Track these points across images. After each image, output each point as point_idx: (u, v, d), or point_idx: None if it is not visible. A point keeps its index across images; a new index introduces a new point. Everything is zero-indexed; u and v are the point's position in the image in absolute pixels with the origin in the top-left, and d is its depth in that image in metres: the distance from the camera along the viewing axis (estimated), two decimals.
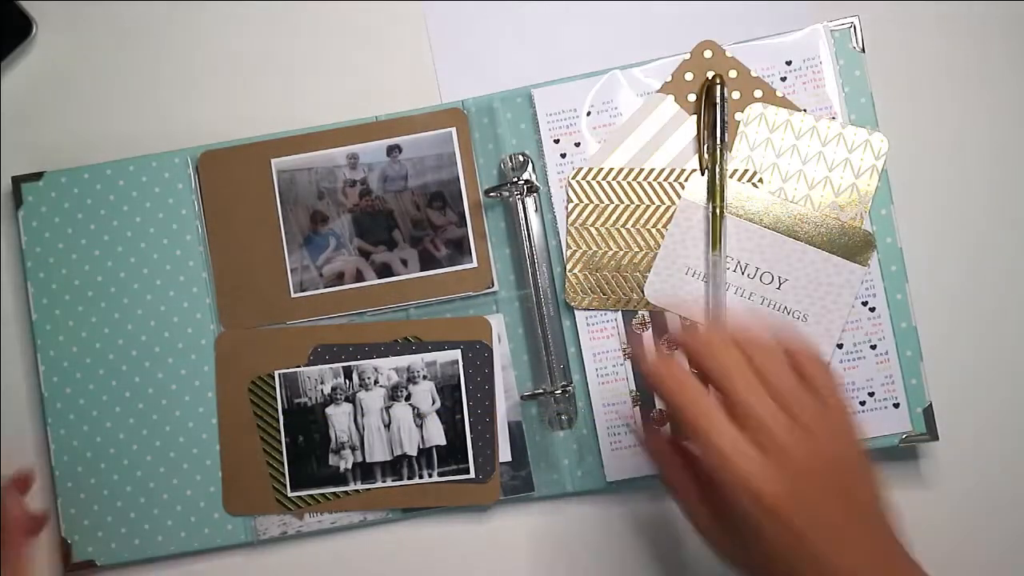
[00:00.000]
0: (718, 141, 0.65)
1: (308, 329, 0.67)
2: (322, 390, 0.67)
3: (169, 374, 0.68)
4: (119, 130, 0.70)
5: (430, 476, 0.66)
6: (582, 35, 0.69)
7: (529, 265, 0.66)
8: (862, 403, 0.64)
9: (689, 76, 0.66)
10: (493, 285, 0.67)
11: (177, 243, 0.68)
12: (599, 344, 0.66)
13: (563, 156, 0.67)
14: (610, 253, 0.66)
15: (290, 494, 0.67)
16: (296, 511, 0.67)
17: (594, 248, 0.66)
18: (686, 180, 0.66)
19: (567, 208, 0.66)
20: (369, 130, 0.68)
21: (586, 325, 0.66)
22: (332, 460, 0.67)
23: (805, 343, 0.55)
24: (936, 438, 0.64)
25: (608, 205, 0.66)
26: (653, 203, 0.66)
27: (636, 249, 0.66)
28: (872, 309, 0.65)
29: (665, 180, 0.66)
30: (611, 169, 0.66)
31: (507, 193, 0.66)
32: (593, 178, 0.66)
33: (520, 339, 0.67)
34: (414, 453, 0.67)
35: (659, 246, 0.65)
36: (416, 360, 0.67)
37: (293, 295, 0.67)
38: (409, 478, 0.66)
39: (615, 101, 0.67)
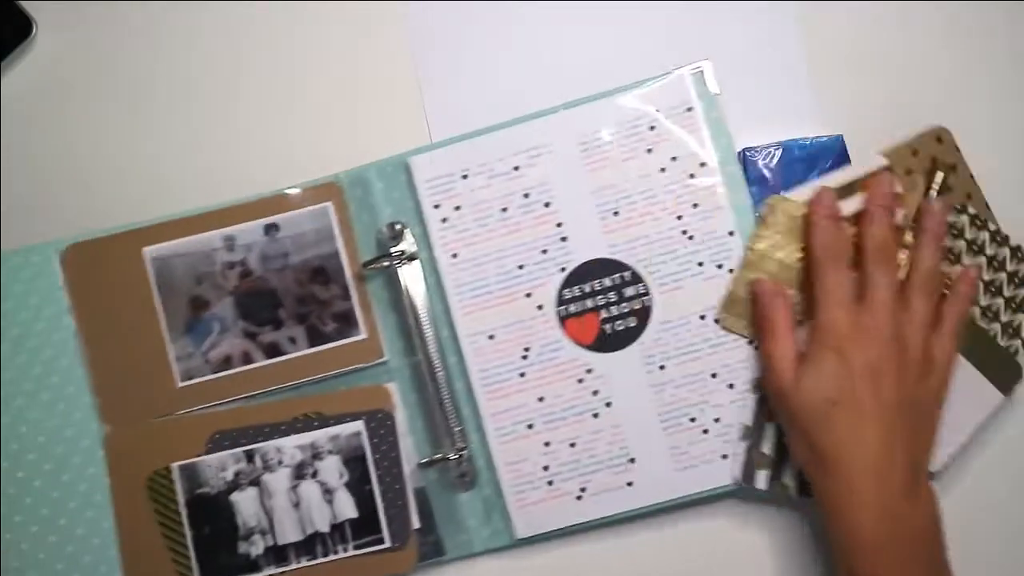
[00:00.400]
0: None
1: (203, 417, 0.66)
2: (224, 477, 0.66)
3: (49, 482, 0.66)
4: None
5: (345, 551, 0.66)
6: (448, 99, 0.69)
7: (416, 333, 0.66)
8: None
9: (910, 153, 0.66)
10: (383, 355, 0.66)
11: (46, 342, 0.66)
12: (497, 404, 0.66)
13: (444, 221, 0.67)
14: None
15: None
16: None
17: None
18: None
19: (756, 228, 0.65)
20: (244, 210, 0.67)
21: (482, 386, 0.66)
22: (242, 548, 0.66)
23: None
24: None
25: (799, 244, 0.65)
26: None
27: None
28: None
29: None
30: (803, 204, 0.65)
31: (386, 264, 0.65)
32: (797, 211, 0.65)
33: (415, 406, 0.67)
34: (327, 529, 0.66)
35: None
36: (319, 436, 0.66)
37: (180, 384, 0.66)
38: (324, 555, 0.66)
39: (490, 163, 0.67)
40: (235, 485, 0.66)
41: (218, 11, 0.69)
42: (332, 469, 0.66)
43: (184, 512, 0.66)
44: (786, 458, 0.64)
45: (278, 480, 0.66)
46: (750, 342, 0.65)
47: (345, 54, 0.69)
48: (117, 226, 0.67)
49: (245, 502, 0.66)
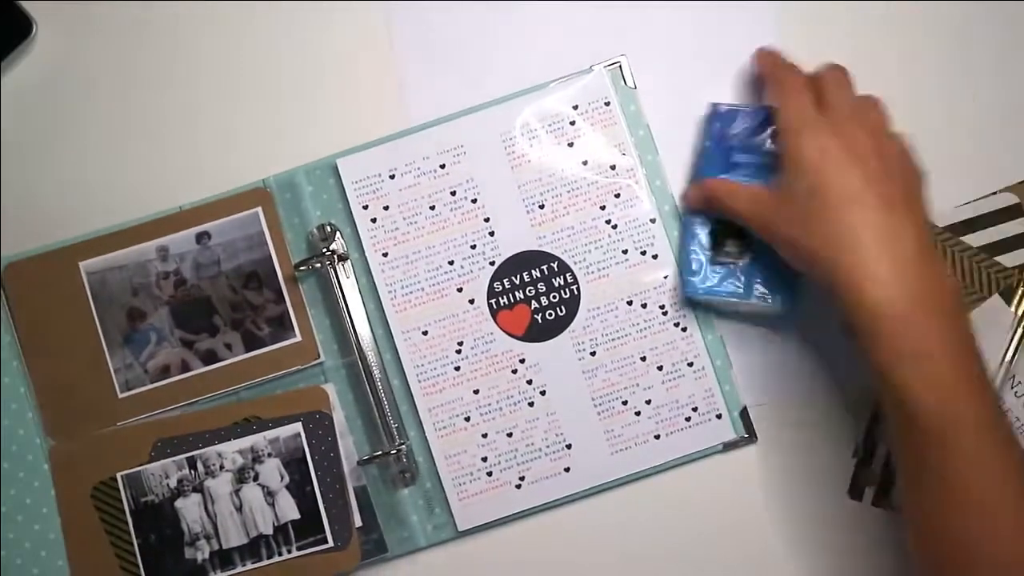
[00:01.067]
0: None
1: (145, 426, 0.67)
2: (168, 484, 0.67)
3: None
4: None
5: (289, 552, 0.67)
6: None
7: (351, 332, 0.67)
8: (687, 419, 0.68)
9: None
10: (319, 356, 0.68)
11: None
12: (433, 398, 0.68)
13: (374, 221, 0.68)
14: None
15: None
16: None
17: None
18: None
19: None
20: (175, 220, 0.68)
21: (418, 381, 0.68)
22: (188, 553, 0.67)
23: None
24: (755, 439, 0.68)
25: None
26: (964, 282, 0.68)
27: None
28: (684, 329, 0.68)
29: (982, 263, 0.68)
30: (942, 229, 0.68)
31: (317, 265, 0.67)
32: None
33: (352, 405, 0.68)
34: (270, 532, 0.67)
35: None
36: (258, 439, 0.67)
37: (120, 395, 0.67)
38: (268, 557, 0.67)
39: (416, 162, 0.69)
40: (179, 492, 0.67)
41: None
42: (273, 471, 0.67)
43: (131, 521, 0.67)
44: (893, 477, 0.66)
45: (220, 485, 0.67)
46: None
47: (271, 57, 0.71)
48: (60, 240, 0.68)
49: (189, 508, 0.67)
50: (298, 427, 0.67)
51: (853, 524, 0.67)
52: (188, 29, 0.71)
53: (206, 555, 0.67)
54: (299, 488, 0.67)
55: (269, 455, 0.67)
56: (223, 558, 0.67)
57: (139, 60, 0.70)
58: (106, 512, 0.67)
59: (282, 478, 0.67)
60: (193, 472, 0.67)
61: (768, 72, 0.66)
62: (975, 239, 0.68)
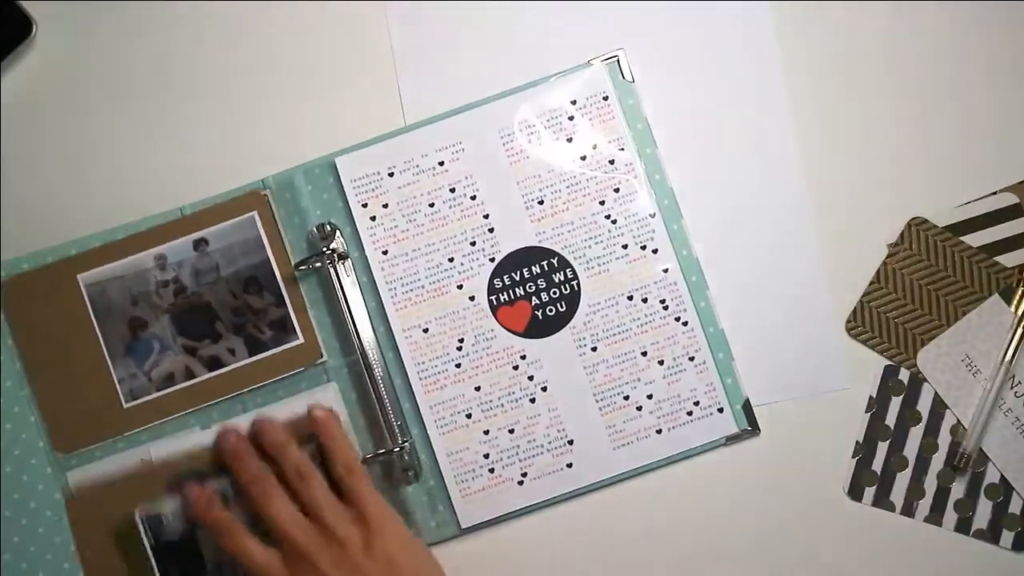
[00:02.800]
0: None
1: (161, 466, 0.67)
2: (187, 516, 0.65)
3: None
4: None
5: None
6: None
7: (352, 331, 0.67)
8: (689, 413, 0.68)
9: None
10: (322, 356, 0.68)
11: None
12: (434, 396, 0.68)
13: (373, 219, 0.68)
14: (908, 306, 0.67)
15: None
16: None
17: (898, 294, 0.67)
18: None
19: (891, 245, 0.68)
20: (173, 228, 0.68)
21: (419, 379, 0.68)
22: None
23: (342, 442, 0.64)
24: (758, 432, 0.68)
25: (930, 265, 0.67)
26: (964, 282, 0.68)
27: (930, 315, 0.67)
28: (685, 323, 0.68)
29: (982, 263, 0.68)
30: (942, 229, 0.68)
31: (317, 264, 0.67)
32: (927, 231, 0.67)
33: (355, 403, 0.68)
34: None
35: (951, 324, 0.67)
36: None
37: (125, 405, 0.67)
38: None
39: (415, 159, 0.68)
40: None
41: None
42: None
43: (153, 561, 0.64)
44: (893, 477, 0.67)
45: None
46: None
47: (269, 56, 0.70)
48: (59, 241, 0.68)
49: (208, 537, 0.64)
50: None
51: (853, 524, 0.67)
52: (187, 29, 0.70)
53: None
54: None
55: None
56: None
57: (138, 60, 0.70)
58: (127, 553, 0.66)
59: None
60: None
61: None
62: (975, 239, 0.68)
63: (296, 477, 0.63)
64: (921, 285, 0.68)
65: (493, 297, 0.68)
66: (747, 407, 0.68)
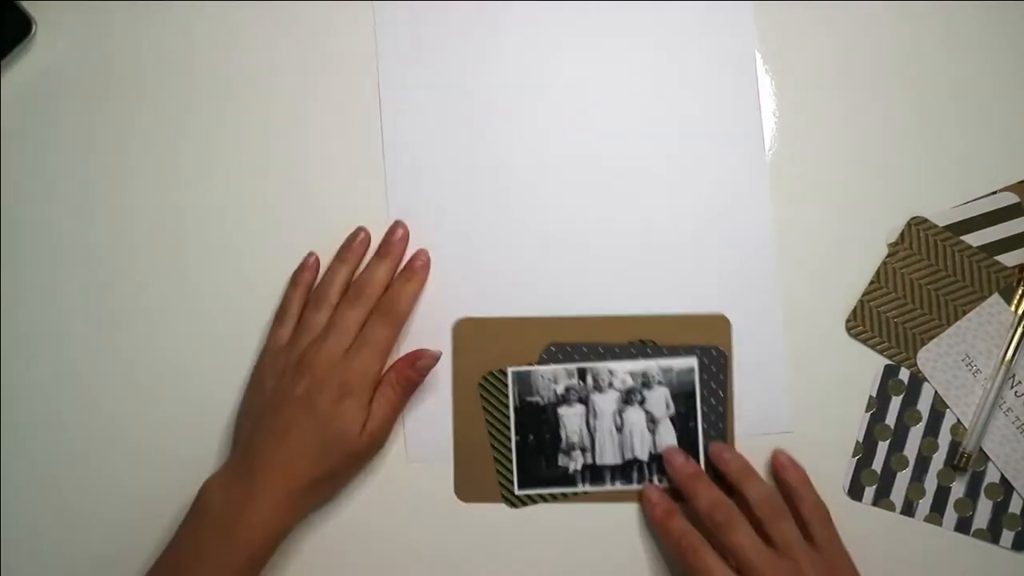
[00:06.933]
0: None
1: (541, 324, 0.68)
2: (555, 390, 0.67)
3: None
4: None
5: (660, 482, 0.67)
6: None
7: None
8: None
9: None
10: None
11: None
12: None
13: None
14: (908, 305, 0.68)
15: (517, 492, 0.67)
16: (520, 507, 0.67)
17: (898, 294, 0.68)
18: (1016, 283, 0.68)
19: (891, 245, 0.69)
20: None
21: None
22: (562, 460, 0.67)
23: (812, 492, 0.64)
24: None
25: (930, 264, 0.68)
26: (964, 281, 0.68)
27: (930, 314, 0.68)
28: None
29: (982, 262, 0.68)
30: (942, 229, 0.69)
31: None
32: (927, 230, 0.68)
33: None
34: (645, 458, 0.67)
35: (951, 323, 0.68)
36: (651, 365, 0.67)
37: None
38: (639, 482, 0.67)
39: None
40: (564, 399, 0.67)
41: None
42: (660, 400, 0.67)
43: (513, 418, 0.67)
44: (893, 476, 0.68)
45: (606, 402, 0.67)
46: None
47: (267, 54, 0.71)
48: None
49: (571, 417, 0.67)
50: (693, 362, 0.67)
51: (853, 524, 0.66)
52: (187, 29, 0.71)
53: (578, 466, 0.67)
54: (683, 422, 0.67)
55: (659, 383, 0.67)
56: (594, 473, 0.67)
57: (138, 60, 0.71)
58: (491, 403, 0.68)
59: (668, 407, 0.67)
60: (582, 383, 0.67)
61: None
62: (975, 239, 0.65)
63: (766, 507, 0.63)
64: (921, 285, 0.67)
65: None
66: None
